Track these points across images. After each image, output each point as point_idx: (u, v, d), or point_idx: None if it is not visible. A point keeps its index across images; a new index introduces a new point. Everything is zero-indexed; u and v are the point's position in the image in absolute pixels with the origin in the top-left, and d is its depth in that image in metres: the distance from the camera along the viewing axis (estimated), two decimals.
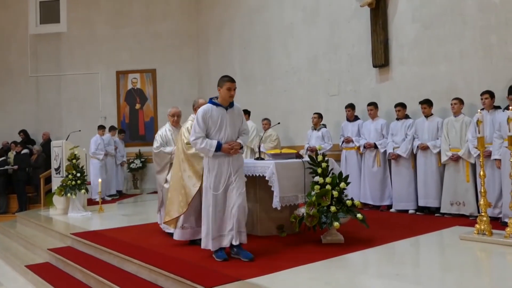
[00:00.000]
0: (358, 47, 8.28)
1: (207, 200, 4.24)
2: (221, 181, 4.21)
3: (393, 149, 7.11)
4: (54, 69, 13.19)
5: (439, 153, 6.55)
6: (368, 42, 7.96)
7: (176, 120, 5.84)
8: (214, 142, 4.16)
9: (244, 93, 10.86)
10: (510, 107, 4.75)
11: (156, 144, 5.69)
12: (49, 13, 13.37)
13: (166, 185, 5.46)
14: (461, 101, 6.35)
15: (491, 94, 5.89)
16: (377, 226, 5.68)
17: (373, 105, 7.56)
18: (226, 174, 4.23)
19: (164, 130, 5.81)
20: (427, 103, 6.75)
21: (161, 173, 5.67)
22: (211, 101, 4.30)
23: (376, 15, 7.77)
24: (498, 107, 5.91)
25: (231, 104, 4.32)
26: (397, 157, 7.03)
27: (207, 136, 4.24)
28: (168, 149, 5.61)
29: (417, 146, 6.80)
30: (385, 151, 7.31)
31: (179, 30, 13.02)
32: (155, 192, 11.98)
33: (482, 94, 5.96)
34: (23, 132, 12.62)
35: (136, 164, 12.37)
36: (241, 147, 4.32)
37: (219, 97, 4.31)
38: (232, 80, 4.28)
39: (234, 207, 4.17)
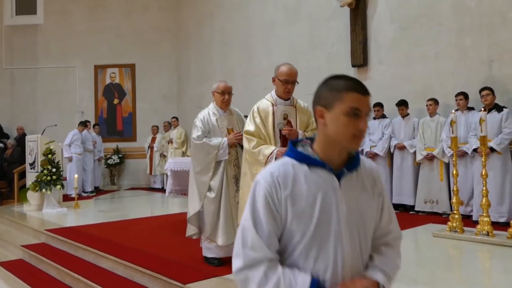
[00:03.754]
0: (338, 47, 8.36)
1: None
2: None
3: (370, 147, 7.23)
4: (29, 62, 12.87)
5: (415, 152, 6.70)
6: (348, 42, 8.05)
7: (227, 99, 4.12)
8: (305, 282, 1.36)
9: None
10: (482, 108, 4.89)
11: (197, 132, 4.01)
12: (25, 4, 13.03)
13: (210, 194, 3.91)
14: (436, 102, 6.50)
15: (465, 96, 6.05)
16: None
17: None
18: None
19: (207, 114, 4.12)
20: (404, 105, 6.88)
21: (202, 174, 3.95)
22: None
23: (356, 15, 7.86)
24: (472, 108, 6.07)
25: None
26: (374, 155, 7.15)
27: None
28: (215, 141, 3.96)
29: (395, 146, 6.94)
30: (362, 150, 7.42)
31: (159, 25, 12.89)
32: (133, 189, 11.93)
33: (456, 95, 6.12)
34: None
35: (114, 160, 12.21)
36: None
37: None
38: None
39: None
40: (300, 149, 1.47)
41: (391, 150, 7.06)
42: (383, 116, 7.28)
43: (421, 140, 6.58)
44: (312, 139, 1.49)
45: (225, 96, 4.09)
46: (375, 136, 7.23)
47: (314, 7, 8.83)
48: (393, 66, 7.49)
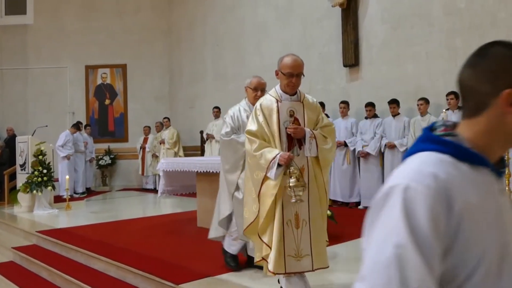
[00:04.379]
0: (329, 47, 8.39)
1: None
2: None
3: (362, 147, 7.28)
4: (20, 62, 12.74)
5: (405, 151, 6.75)
6: (339, 42, 8.08)
7: (259, 96, 3.75)
8: None
9: (215, 90, 10.85)
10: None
11: (225, 129, 3.83)
12: (15, 3, 12.91)
13: (238, 195, 3.67)
14: (426, 101, 6.56)
15: (456, 95, 6.10)
16: (345, 222, 5.77)
17: (345, 104, 7.70)
18: None
19: (238, 110, 3.91)
20: (396, 103, 6.95)
21: (231, 172, 3.76)
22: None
23: (347, 15, 7.90)
24: None
25: None
26: (366, 155, 7.19)
27: None
28: (243, 137, 3.57)
29: (385, 145, 6.99)
30: (354, 149, 7.47)
31: (151, 25, 12.83)
32: (125, 189, 11.88)
33: (447, 94, 6.18)
34: None
35: (105, 160, 12.15)
36: None
37: None
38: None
39: None
40: (451, 139, 1.02)
41: (382, 150, 7.11)
42: (375, 116, 7.32)
43: (413, 139, 6.64)
44: (453, 126, 1.06)
45: (257, 93, 3.81)
46: (367, 135, 7.28)
47: (306, 8, 8.86)
48: (384, 66, 7.53)
